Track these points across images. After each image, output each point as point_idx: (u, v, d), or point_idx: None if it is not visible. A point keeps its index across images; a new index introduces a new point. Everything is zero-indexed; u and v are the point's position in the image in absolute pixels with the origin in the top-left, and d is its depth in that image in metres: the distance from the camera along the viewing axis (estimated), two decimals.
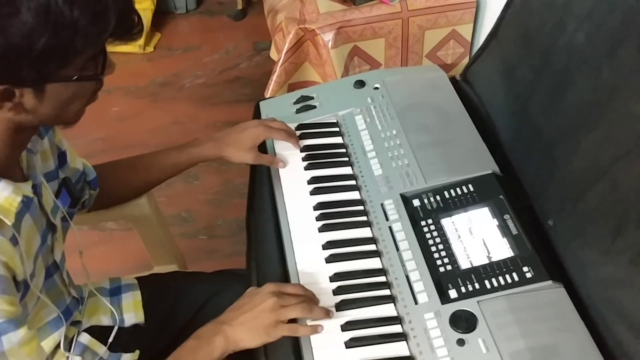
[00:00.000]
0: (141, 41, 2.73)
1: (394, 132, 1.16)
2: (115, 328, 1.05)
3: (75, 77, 0.72)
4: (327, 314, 0.90)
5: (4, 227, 0.77)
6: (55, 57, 0.68)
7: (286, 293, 0.90)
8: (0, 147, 0.77)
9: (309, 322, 0.90)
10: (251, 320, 0.86)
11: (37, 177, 0.88)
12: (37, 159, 0.90)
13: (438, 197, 1.04)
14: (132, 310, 1.10)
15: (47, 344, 0.92)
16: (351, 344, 0.88)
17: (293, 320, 0.89)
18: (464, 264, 0.94)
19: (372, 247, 1.00)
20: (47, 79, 0.70)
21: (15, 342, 0.77)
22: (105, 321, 1.06)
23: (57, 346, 0.95)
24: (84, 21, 0.67)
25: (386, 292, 0.94)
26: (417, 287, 0.93)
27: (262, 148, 1.18)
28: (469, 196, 1.03)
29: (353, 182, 1.11)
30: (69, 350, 0.97)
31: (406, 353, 0.87)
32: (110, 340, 1.03)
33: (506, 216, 0.98)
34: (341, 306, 0.92)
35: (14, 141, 0.79)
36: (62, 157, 1.00)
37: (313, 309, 0.89)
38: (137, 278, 1.18)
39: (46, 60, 0.67)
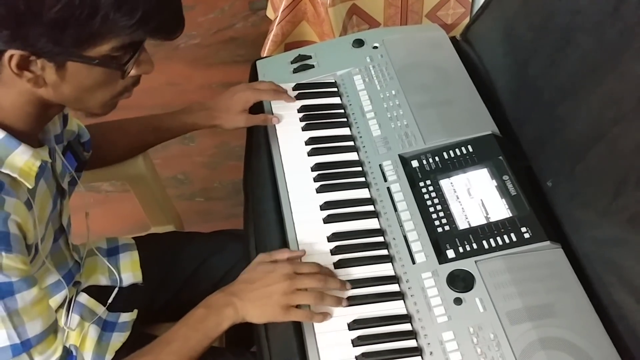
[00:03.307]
0: None
1: (393, 92, 1.14)
2: (116, 289, 1.05)
3: (96, 62, 0.72)
4: (339, 302, 0.88)
5: (20, 190, 0.77)
6: (70, 31, 0.67)
7: (301, 273, 0.88)
8: (24, 118, 0.78)
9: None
10: (262, 299, 0.85)
11: (52, 142, 0.89)
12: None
13: (437, 158, 1.03)
14: (129, 270, 1.10)
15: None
16: (349, 302, 0.88)
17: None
18: (462, 225, 0.94)
19: (370, 207, 1.00)
20: (65, 55, 0.70)
21: (29, 300, 0.76)
22: (104, 281, 1.06)
23: (59, 307, 0.95)
24: (106, 2, 0.66)
25: (384, 251, 0.94)
26: (415, 247, 0.93)
27: (259, 110, 1.17)
28: (467, 157, 1.02)
29: (351, 143, 1.10)
30: (69, 310, 0.98)
31: (403, 312, 0.87)
32: (109, 300, 1.03)
33: (505, 177, 0.98)
34: (339, 265, 0.92)
35: (39, 115, 0.80)
36: (65, 120, 0.99)
37: (325, 298, 0.87)
38: (134, 238, 1.18)
39: (60, 32, 0.67)
